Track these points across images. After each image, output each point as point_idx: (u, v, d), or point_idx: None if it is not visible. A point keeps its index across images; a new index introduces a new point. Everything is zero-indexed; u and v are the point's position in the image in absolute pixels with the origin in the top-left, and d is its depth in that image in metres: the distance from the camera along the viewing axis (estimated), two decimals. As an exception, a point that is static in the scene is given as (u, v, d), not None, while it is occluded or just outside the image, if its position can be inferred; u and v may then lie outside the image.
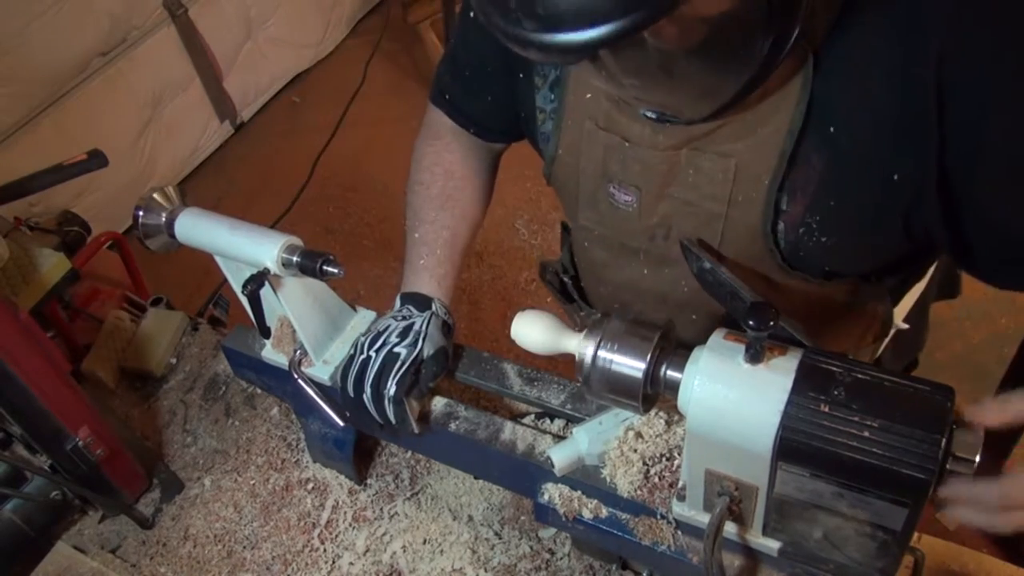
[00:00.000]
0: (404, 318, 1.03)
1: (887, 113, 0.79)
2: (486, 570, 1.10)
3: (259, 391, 1.35)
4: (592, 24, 0.62)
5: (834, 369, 0.68)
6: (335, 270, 0.95)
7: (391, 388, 0.97)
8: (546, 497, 0.94)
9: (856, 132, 0.81)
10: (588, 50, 0.64)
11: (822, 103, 0.81)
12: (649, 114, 0.89)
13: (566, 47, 0.64)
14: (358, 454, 1.20)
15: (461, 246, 1.15)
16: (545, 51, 0.66)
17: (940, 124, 0.76)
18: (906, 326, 1.21)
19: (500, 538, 1.13)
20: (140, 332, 1.44)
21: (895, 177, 0.81)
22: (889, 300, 1.13)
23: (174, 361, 1.44)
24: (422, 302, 1.05)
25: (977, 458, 0.64)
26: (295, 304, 1.02)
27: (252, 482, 1.24)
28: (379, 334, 1.01)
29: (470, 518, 1.16)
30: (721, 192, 0.91)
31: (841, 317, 1.09)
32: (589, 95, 0.96)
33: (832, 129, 0.82)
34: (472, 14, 1.07)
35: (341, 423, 1.07)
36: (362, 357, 1.00)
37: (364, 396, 0.99)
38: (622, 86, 0.81)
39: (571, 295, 1.30)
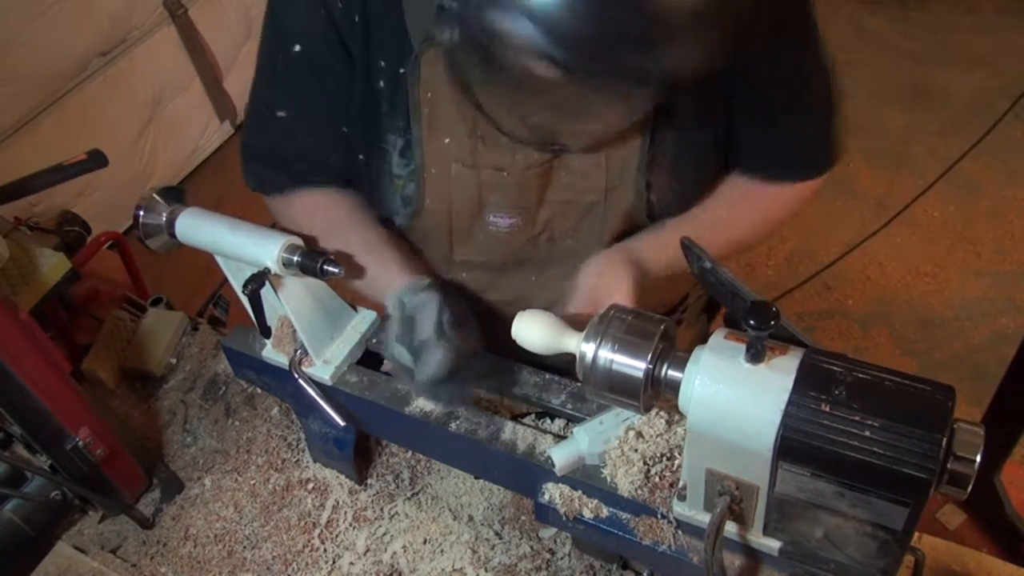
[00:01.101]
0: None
1: None
2: (486, 570, 1.10)
3: (259, 391, 1.35)
4: None
5: (835, 369, 0.68)
6: (335, 270, 0.95)
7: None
8: (547, 497, 0.94)
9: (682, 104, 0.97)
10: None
11: None
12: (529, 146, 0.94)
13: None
14: (358, 454, 1.20)
15: (391, 237, 1.10)
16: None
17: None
18: None
19: (500, 538, 1.13)
20: (140, 332, 1.44)
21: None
22: None
23: (174, 361, 1.44)
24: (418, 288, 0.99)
25: (978, 458, 0.64)
26: (295, 304, 1.02)
27: (252, 482, 1.24)
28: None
29: (470, 518, 1.16)
30: (596, 184, 0.98)
31: None
32: (448, 139, 0.97)
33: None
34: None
35: (341, 423, 1.07)
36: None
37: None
38: (528, 122, 0.88)
39: None
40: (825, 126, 1.06)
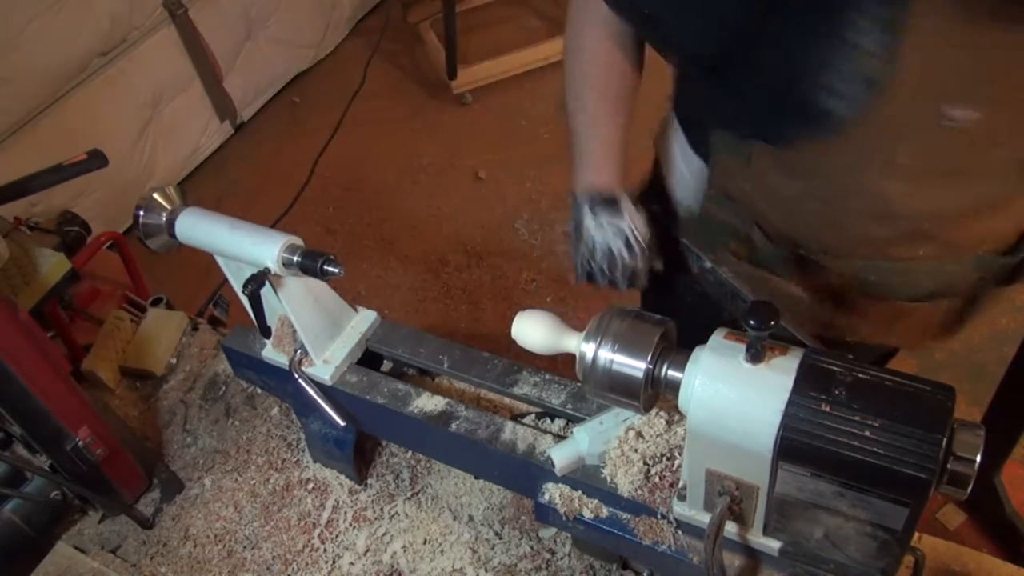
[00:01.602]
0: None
1: None
2: (486, 570, 1.10)
3: (259, 391, 1.35)
4: None
5: (835, 369, 0.68)
6: (335, 270, 0.95)
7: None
8: (547, 497, 0.94)
9: None
10: None
11: None
12: None
13: None
14: (358, 454, 1.20)
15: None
16: None
17: None
18: None
19: (500, 538, 1.13)
20: (140, 332, 1.44)
21: None
22: None
23: (174, 361, 1.44)
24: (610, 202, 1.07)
25: (978, 458, 0.64)
26: (296, 304, 1.02)
27: (252, 482, 1.24)
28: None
29: (470, 518, 1.16)
30: None
31: None
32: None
33: None
34: None
35: (341, 423, 1.07)
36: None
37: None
38: None
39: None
40: None
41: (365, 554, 1.14)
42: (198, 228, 1.01)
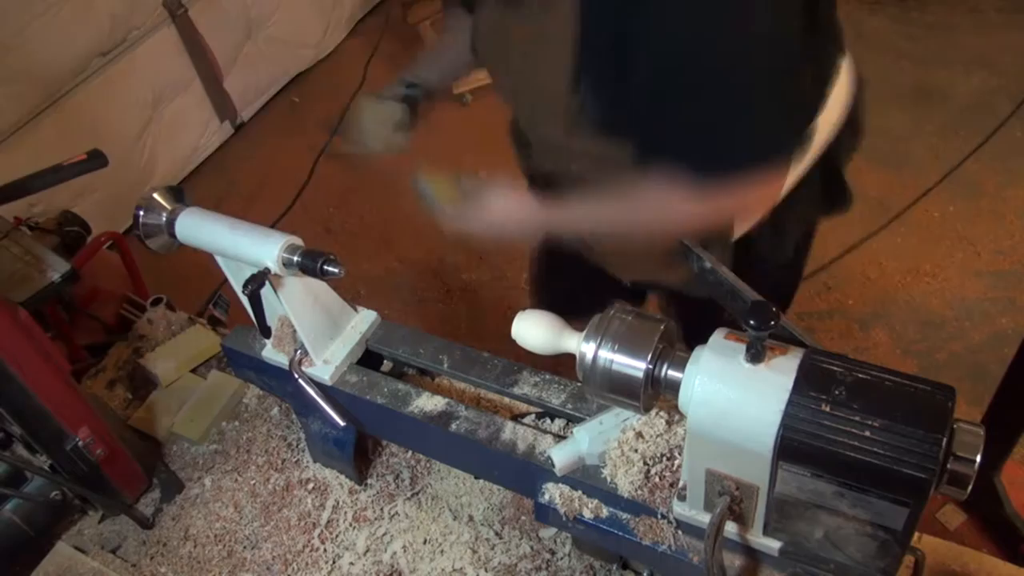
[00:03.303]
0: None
1: None
2: (486, 570, 1.10)
3: (259, 391, 1.35)
4: None
5: (835, 369, 0.68)
6: (335, 270, 0.95)
7: None
8: (547, 497, 0.94)
9: None
10: None
11: None
12: None
13: None
14: (358, 454, 1.20)
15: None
16: None
17: None
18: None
19: (500, 538, 1.13)
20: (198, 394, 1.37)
21: None
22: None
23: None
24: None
25: (978, 458, 0.64)
26: (295, 304, 1.02)
27: (252, 482, 1.24)
28: None
29: (470, 518, 1.16)
30: None
31: None
32: None
33: None
34: None
35: (342, 423, 1.07)
36: None
37: None
38: None
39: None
40: None
41: (365, 554, 1.14)
42: (198, 228, 1.01)
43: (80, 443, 1.09)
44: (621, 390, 0.76)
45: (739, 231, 1.16)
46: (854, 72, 1.20)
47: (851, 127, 1.19)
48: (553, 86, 1.05)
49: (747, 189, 0.98)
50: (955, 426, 0.65)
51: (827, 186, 1.25)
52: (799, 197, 1.18)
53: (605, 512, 0.92)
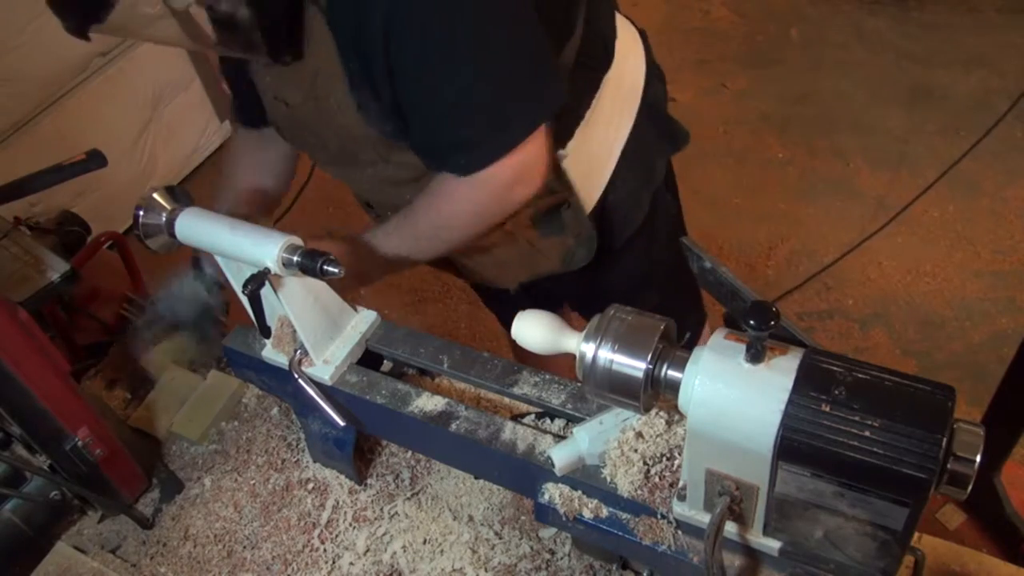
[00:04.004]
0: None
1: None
2: (486, 570, 1.10)
3: (259, 391, 1.35)
4: None
5: (835, 369, 0.68)
6: (335, 270, 0.95)
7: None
8: (546, 497, 0.94)
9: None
10: None
11: None
12: None
13: None
14: (358, 454, 1.20)
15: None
16: None
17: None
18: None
19: (500, 538, 1.13)
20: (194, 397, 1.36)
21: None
22: None
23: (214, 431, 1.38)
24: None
25: (978, 458, 0.64)
26: (295, 304, 1.02)
27: (252, 482, 1.24)
28: None
29: (470, 518, 1.16)
30: None
31: None
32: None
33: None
34: None
35: (342, 423, 1.07)
36: None
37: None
38: None
39: None
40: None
41: (365, 554, 1.14)
42: (198, 228, 1.01)
43: (79, 443, 1.09)
44: (621, 390, 0.76)
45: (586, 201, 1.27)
46: (633, 27, 1.35)
47: (655, 73, 1.34)
48: (347, 122, 1.15)
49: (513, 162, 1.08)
50: (955, 426, 0.65)
51: (660, 130, 1.36)
52: (635, 147, 1.29)
53: (605, 512, 0.92)
